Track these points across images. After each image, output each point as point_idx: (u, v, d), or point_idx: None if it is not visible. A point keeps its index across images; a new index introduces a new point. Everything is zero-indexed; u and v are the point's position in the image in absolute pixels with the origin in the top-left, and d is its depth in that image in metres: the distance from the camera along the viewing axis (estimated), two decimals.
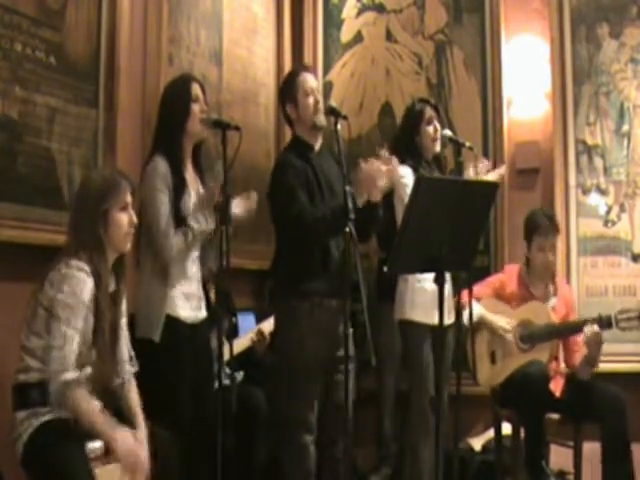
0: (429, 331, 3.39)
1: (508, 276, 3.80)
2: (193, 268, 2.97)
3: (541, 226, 3.65)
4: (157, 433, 2.58)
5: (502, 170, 3.86)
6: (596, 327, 3.41)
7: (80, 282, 2.38)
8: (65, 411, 2.35)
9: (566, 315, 3.67)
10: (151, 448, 2.48)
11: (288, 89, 3.24)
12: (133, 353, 2.65)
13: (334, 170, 3.15)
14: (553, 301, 3.68)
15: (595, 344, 3.43)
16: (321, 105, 3.20)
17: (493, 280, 3.85)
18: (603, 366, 3.63)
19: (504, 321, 3.64)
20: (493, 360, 3.68)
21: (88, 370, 2.45)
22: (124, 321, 2.61)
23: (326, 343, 3.08)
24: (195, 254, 2.98)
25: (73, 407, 2.34)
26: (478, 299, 3.64)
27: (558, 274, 3.88)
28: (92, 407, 2.36)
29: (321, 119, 3.16)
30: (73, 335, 2.35)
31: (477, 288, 3.64)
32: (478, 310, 3.63)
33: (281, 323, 3.19)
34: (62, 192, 3.00)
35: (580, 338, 3.52)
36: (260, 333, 3.62)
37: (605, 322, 3.44)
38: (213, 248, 2.88)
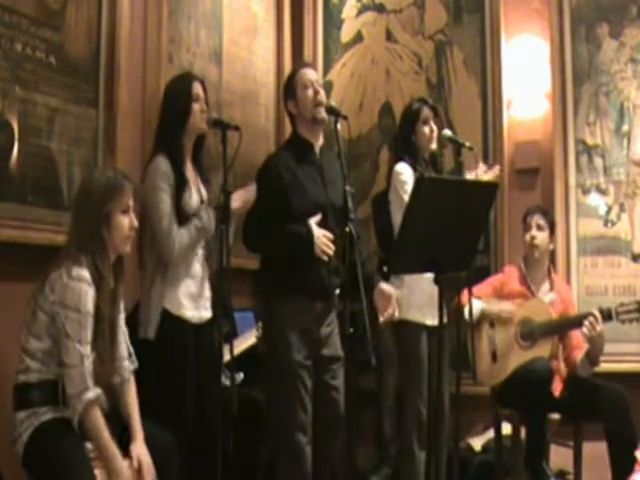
0: (425, 331, 3.40)
1: (508, 275, 3.81)
2: (199, 268, 2.98)
3: (526, 210, 3.81)
4: (158, 433, 2.58)
5: (496, 170, 3.83)
6: (599, 317, 3.42)
7: (83, 294, 2.37)
8: (85, 429, 2.37)
9: (564, 311, 3.68)
10: (151, 449, 2.49)
11: (288, 86, 3.24)
12: (132, 350, 2.65)
13: (336, 168, 3.09)
14: (551, 296, 3.69)
15: (597, 338, 3.44)
16: (321, 97, 3.15)
17: (492, 280, 3.87)
18: (604, 366, 3.64)
19: (507, 306, 3.66)
20: (494, 358, 3.68)
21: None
22: (122, 318, 2.61)
23: (309, 344, 3.07)
24: (201, 253, 2.98)
25: (92, 428, 2.36)
26: (478, 298, 3.65)
27: (557, 273, 3.88)
28: (107, 433, 2.37)
29: (322, 113, 3.12)
30: (86, 351, 2.37)
31: (477, 288, 3.65)
32: (479, 305, 3.64)
33: (265, 324, 3.20)
34: (62, 192, 3.00)
35: (581, 334, 3.52)
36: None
37: (605, 315, 3.45)
38: (216, 248, 2.88)
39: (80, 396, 2.32)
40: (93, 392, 2.35)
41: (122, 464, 2.38)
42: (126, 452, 2.45)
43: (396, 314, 3.15)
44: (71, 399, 2.34)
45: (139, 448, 2.47)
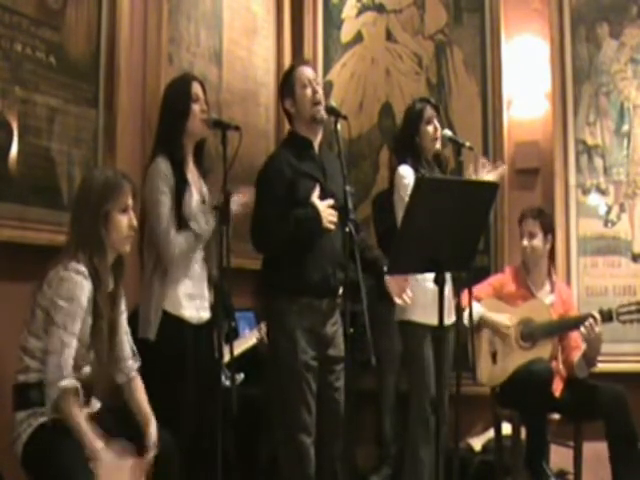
0: (429, 331, 3.39)
1: (508, 276, 3.81)
2: (197, 269, 2.97)
3: (520, 214, 3.80)
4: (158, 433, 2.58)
5: (502, 169, 3.81)
6: (599, 319, 3.43)
7: (78, 286, 2.38)
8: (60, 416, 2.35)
9: (564, 313, 3.68)
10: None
11: (286, 84, 3.23)
12: (135, 348, 2.65)
13: (336, 167, 3.09)
14: (551, 298, 3.69)
15: (595, 340, 3.44)
16: (320, 95, 3.15)
17: (493, 280, 3.86)
18: (603, 366, 3.64)
19: (505, 317, 3.65)
20: (494, 359, 3.68)
21: (87, 370, 2.46)
22: (124, 318, 2.62)
23: (316, 344, 3.07)
24: (200, 254, 2.98)
25: (66, 415, 2.34)
26: (478, 299, 3.65)
27: (557, 275, 3.88)
28: (81, 419, 2.36)
29: (321, 112, 3.11)
30: (70, 340, 2.35)
31: (477, 288, 3.65)
32: (478, 310, 3.63)
33: (270, 324, 3.19)
34: (61, 192, 3.00)
35: (579, 334, 3.53)
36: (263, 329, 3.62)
37: (606, 316, 3.47)
38: (216, 248, 2.88)
39: (55, 383, 2.31)
40: (68, 381, 2.33)
41: (99, 447, 2.34)
42: (140, 452, 2.47)
43: (409, 293, 3.17)
44: (47, 386, 2.32)
45: (155, 432, 2.51)
